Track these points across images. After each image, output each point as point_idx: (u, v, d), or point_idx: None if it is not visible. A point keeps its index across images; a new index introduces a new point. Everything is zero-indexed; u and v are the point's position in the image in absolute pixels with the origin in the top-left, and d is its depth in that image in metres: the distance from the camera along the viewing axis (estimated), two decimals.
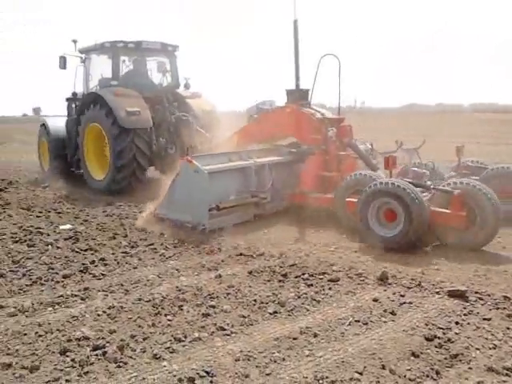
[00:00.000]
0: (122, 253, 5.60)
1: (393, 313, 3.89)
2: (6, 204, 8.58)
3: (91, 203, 8.61)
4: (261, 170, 7.18)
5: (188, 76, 11.11)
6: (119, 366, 3.14)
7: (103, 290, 4.46)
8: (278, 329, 3.66)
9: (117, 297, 4.30)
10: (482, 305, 4.03)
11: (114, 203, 8.49)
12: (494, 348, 3.33)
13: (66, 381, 2.98)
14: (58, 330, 3.65)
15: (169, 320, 3.80)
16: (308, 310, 3.99)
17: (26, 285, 4.60)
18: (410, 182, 5.72)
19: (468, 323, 3.70)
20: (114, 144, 9.20)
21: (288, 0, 7.57)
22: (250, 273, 4.87)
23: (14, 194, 9.67)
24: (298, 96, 7.80)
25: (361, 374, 3.02)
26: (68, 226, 6.81)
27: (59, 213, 7.86)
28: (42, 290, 4.48)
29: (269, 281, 4.67)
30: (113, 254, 5.57)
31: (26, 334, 3.58)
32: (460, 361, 3.18)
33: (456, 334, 3.53)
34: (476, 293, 4.25)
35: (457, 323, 3.69)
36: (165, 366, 3.13)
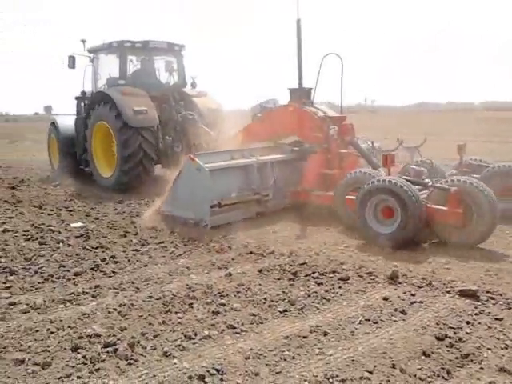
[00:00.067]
0: (133, 251, 5.63)
1: (403, 312, 3.87)
2: (18, 202, 8.67)
3: (102, 201, 8.67)
4: (263, 167, 7.23)
5: (194, 75, 11.23)
6: (130, 363, 3.16)
7: (114, 288, 4.48)
8: (288, 327, 3.66)
9: (127, 294, 4.32)
10: (494, 304, 4.00)
11: (125, 201, 8.54)
12: (506, 348, 3.30)
13: (78, 377, 3.01)
14: (69, 326, 3.68)
15: (179, 318, 3.82)
16: (318, 309, 3.99)
17: (38, 282, 4.65)
18: (407, 180, 5.78)
19: (479, 323, 3.68)
20: (119, 135, 9.29)
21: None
22: (260, 271, 4.87)
23: (25, 192, 9.77)
24: (301, 95, 7.86)
25: (371, 372, 3.02)
26: (79, 224, 6.86)
27: (70, 211, 7.93)
28: (54, 288, 4.52)
29: (279, 279, 4.67)
30: (123, 251, 5.60)
31: (38, 331, 3.62)
32: (471, 361, 3.16)
33: (467, 333, 3.51)
34: (487, 292, 4.21)
35: (468, 323, 3.67)
36: (175, 364, 3.14)
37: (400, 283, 4.51)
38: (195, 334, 3.53)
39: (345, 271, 4.82)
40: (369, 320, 3.75)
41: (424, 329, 3.58)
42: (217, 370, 3.04)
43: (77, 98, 11.49)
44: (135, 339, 3.44)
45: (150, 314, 3.88)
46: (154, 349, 3.34)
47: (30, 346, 3.40)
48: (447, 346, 3.33)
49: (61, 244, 5.84)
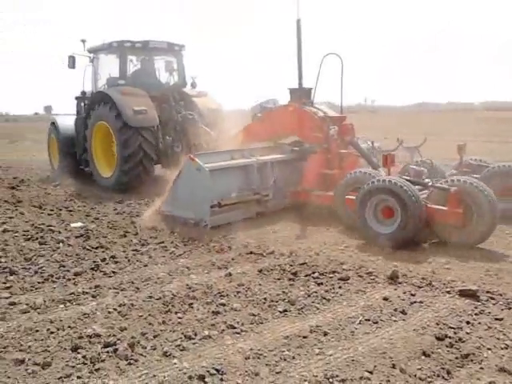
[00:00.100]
0: (133, 251, 5.64)
1: (403, 312, 3.87)
2: (18, 202, 8.67)
3: (102, 201, 8.67)
4: (263, 167, 7.24)
5: (194, 75, 11.24)
6: (130, 363, 3.16)
7: (114, 288, 4.48)
8: (288, 327, 3.66)
9: (127, 294, 4.32)
10: (494, 304, 4.00)
11: (125, 201, 8.54)
12: (506, 348, 3.30)
13: (78, 377, 3.01)
14: (69, 326, 3.68)
15: (179, 318, 3.82)
16: (318, 309, 3.99)
17: (38, 282, 4.65)
18: (407, 180, 5.79)
19: (479, 323, 3.68)
20: (119, 135, 9.29)
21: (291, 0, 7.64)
22: (260, 271, 4.87)
23: (25, 192, 9.77)
24: (301, 95, 7.87)
25: (371, 372, 3.02)
26: (79, 224, 6.86)
27: (70, 211, 7.93)
28: (54, 288, 4.52)
29: (279, 279, 4.67)
30: (123, 251, 5.61)
31: (38, 331, 3.62)
32: (471, 361, 3.16)
33: (467, 333, 3.51)
34: (487, 292, 4.21)
35: (468, 323, 3.67)
36: (175, 364, 3.14)
37: (400, 283, 4.51)
38: (195, 334, 3.53)
39: (345, 271, 4.82)
40: (369, 320, 3.75)
41: (424, 329, 3.58)
42: (217, 369, 3.04)
43: (77, 98, 11.49)
44: (135, 339, 3.44)
45: (150, 314, 3.88)
46: (154, 349, 3.34)
47: (30, 346, 3.40)
48: (447, 346, 3.33)
49: (61, 244, 5.84)
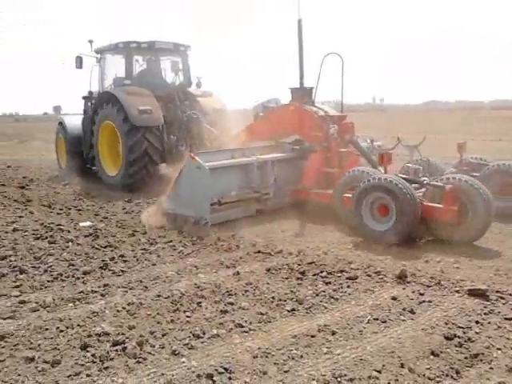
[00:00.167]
0: (142, 250, 5.66)
1: (412, 311, 3.86)
2: (28, 201, 8.74)
3: (111, 201, 8.70)
4: (263, 166, 7.30)
5: (200, 75, 11.30)
6: (138, 362, 3.17)
7: (123, 287, 4.50)
8: (296, 326, 3.66)
9: (136, 293, 4.34)
10: (504, 304, 3.97)
11: (133, 200, 8.57)
12: None
13: (87, 375, 3.03)
14: (78, 325, 3.70)
15: (187, 316, 3.83)
16: (326, 308, 3.98)
17: (48, 281, 4.68)
18: (403, 178, 5.85)
19: (489, 323, 3.65)
20: (126, 139, 9.40)
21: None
22: (268, 270, 4.87)
23: (35, 192, 9.84)
24: (302, 94, 7.93)
25: (379, 372, 3.01)
26: (88, 223, 6.90)
27: (79, 210, 7.98)
28: (63, 286, 4.55)
29: (287, 278, 4.67)
30: (132, 250, 5.63)
31: (47, 329, 3.64)
32: (481, 360, 3.14)
33: (476, 333, 3.49)
34: (497, 292, 4.18)
35: (477, 322, 3.65)
36: (183, 362, 3.15)
37: (409, 282, 4.49)
38: (203, 333, 3.53)
39: (353, 270, 4.81)
40: (377, 319, 3.73)
41: (433, 328, 3.57)
42: (225, 368, 3.05)
43: (84, 98, 11.60)
44: (144, 338, 3.46)
45: (158, 313, 3.89)
46: (163, 347, 3.35)
47: (39, 344, 3.42)
48: (456, 346, 3.31)
49: (70, 243, 5.88)
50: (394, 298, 4.12)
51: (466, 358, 3.17)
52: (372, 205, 5.89)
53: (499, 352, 3.23)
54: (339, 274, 4.71)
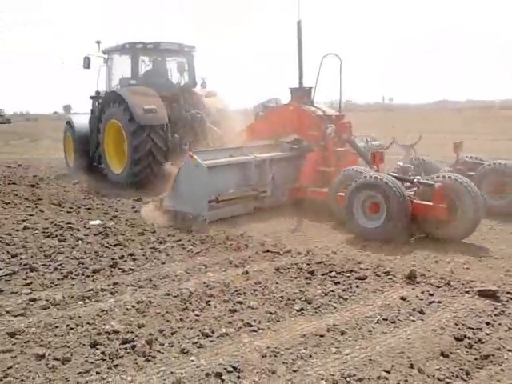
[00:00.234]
0: (151, 248, 5.68)
1: (421, 312, 3.84)
2: (38, 199, 8.80)
3: (120, 199, 8.74)
4: (261, 165, 7.41)
5: (205, 75, 11.43)
6: (148, 360, 3.18)
7: (132, 285, 4.52)
8: (305, 326, 3.65)
9: (145, 291, 4.35)
10: None
11: (143, 199, 8.60)
12: None
13: (97, 373, 3.04)
14: (88, 323, 3.72)
15: (196, 315, 3.83)
16: (335, 308, 3.97)
17: (58, 279, 4.71)
18: (394, 176, 5.95)
19: (499, 324, 3.63)
20: (131, 139, 9.55)
21: (292, 0, 7.72)
22: (277, 269, 4.87)
23: (45, 190, 9.91)
24: (302, 94, 8.01)
25: (388, 372, 3.00)
26: (98, 222, 6.94)
27: (89, 208, 8.02)
28: (73, 284, 4.58)
29: (296, 278, 4.67)
30: (141, 249, 5.65)
31: (57, 327, 3.67)
32: (491, 362, 3.12)
33: (487, 334, 3.46)
34: (508, 293, 4.15)
35: (487, 323, 3.62)
36: (192, 361, 3.16)
37: (418, 283, 4.47)
38: (212, 332, 3.54)
39: (362, 270, 4.80)
40: (386, 319, 3.72)
41: (442, 329, 3.55)
42: (234, 367, 3.05)
43: (92, 98, 11.73)
44: (153, 336, 3.47)
45: (167, 312, 3.90)
46: (172, 346, 3.36)
47: (50, 342, 3.44)
48: (466, 347, 3.29)
49: (80, 241, 5.91)
50: (403, 299, 4.10)
51: (476, 359, 3.15)
52: (363, 203, 6.01)
53: (510, 353, 3.21)
54: (348, 274, 4.70)
